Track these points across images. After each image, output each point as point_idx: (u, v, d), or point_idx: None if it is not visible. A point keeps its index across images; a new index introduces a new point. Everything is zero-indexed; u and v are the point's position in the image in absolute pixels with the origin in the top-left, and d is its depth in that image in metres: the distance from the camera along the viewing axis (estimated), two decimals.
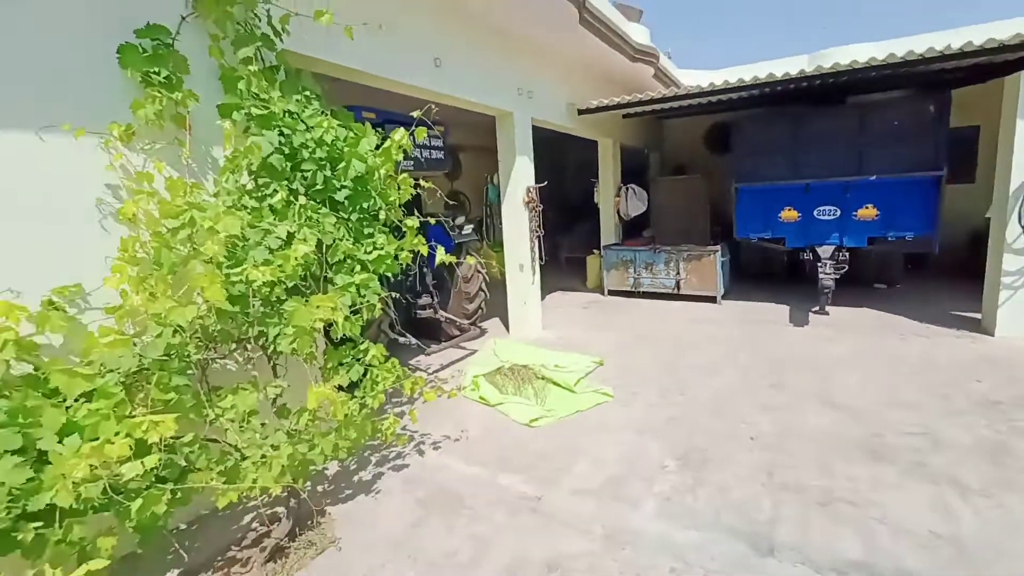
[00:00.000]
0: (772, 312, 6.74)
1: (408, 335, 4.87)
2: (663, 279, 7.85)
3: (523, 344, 5.70)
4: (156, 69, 2.46)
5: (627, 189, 8.95)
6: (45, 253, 2.20)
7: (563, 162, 15.20)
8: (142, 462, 1.73)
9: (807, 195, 6.66)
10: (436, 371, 5.07)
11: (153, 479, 1.94)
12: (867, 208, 6.32)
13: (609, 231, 9.06)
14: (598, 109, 7.09)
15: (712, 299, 7.50)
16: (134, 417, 1.80)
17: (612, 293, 8.43)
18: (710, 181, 8.18)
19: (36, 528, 1.65)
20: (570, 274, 10.55)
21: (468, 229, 5.83)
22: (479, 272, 5.86)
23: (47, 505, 1.61)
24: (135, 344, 2.07)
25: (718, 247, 7.36)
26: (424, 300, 5.39)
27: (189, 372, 2.18)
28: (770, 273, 8.65)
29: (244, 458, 2.15)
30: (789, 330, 5.87)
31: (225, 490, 2.07)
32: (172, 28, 2.55)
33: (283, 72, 2.93)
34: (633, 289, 8.16)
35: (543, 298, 8.39)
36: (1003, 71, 5.12)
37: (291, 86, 2.88)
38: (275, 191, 2.52)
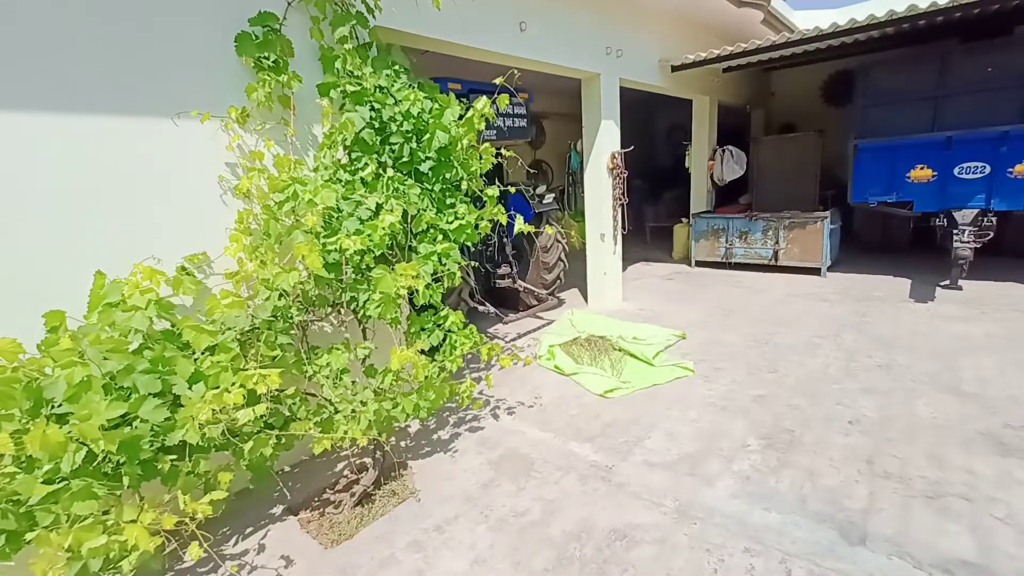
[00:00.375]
0: (889, 286, 5.99)
1: (487, 304, 5.02)
2: (759, 249, 7.26)
3: (601, 315, 5.62)
4: (266, 54, 2.68)
5: (723, 151, 8.28)
6: (180, 225, 2.55)
7: (650, 126, 14.43)
8: (253, 409, 2.00)
9: (948, 150, 5.68)
10: (513, 340, 5.19)
11: (262, 425, 2.24)
12: None
13: (701, 197, 8.49)
14: (695, 64, 6.54)
15: (816, 271, 6.82)
16: (247, 370, 2.07)
17: (700, 264, 7.97)
18: (823, 140, 7.31)
19: (172, 460, 1.99)
20: (655, 244, 10.14)
21: (549, 198, 5.79)
22: (558, 242, 5.82)
23: (180, 442, 1.93)
24: (248, 306, 2.36)
25: (827, 214, 6.62)
26: (503, 270, 5.49)
27: (292, 332, 2.45)
28: (890, 242, 7.64)
29: (337, 411, 2.39)
30: (909, 307, 5.20)
31: (321, 438, 2.33)
32: (279, 14, 2.75)
33: (375, 48, 3.05)
34: (724, 260, 7.64)
35: (624, 269, 8.18)
36: None
37: (382, 61, 2.99)
38: (366, 164, 2.68)
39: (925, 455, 2.72)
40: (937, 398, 3.31)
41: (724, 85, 8.66)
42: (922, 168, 5.86)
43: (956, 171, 5.65)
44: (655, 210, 10.83)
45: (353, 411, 2.37)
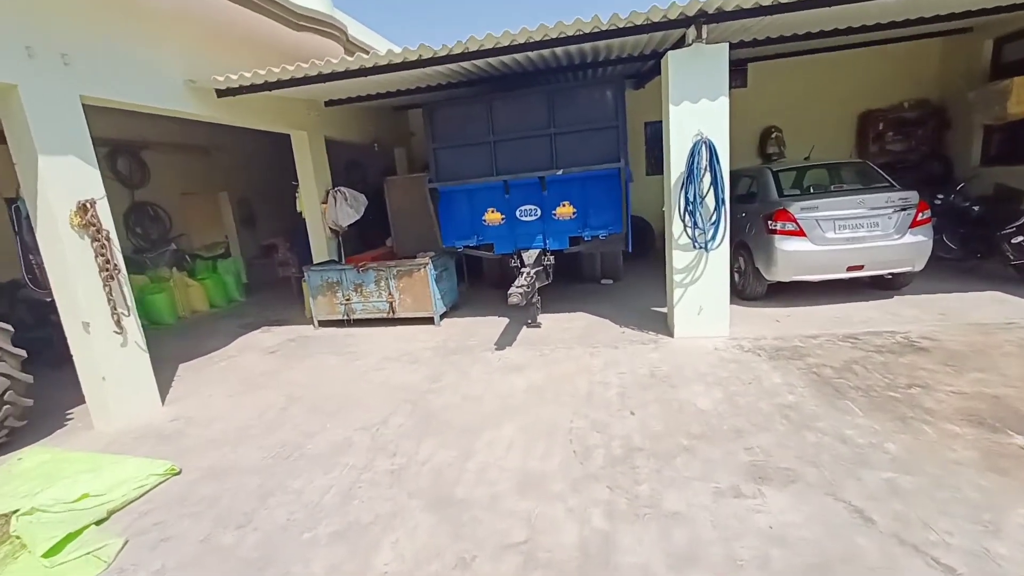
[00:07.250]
0: (487, 329, 5.79)
1: None
2: (375, 302, 6.43)
3: (83, 451, 3.66)
4: None
5: (337, 192, 7.33)
6: None
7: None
8: None
9: (508, 194, 5.81)
10: None
11: None
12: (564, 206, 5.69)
13: (321, 246, 7.36)
14: (242, 90, 5.27)
15: (430, 320, 6.33)
16: None
17: (324, 324, 6.75)
18: None
19: None
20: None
21: None
22: None
23: None
24: None
25: (427, 260, 6.19)
26: None
27: None
28: (507, 279, 7.83)
29: None
30: (486, 357, 4.88)
31: None
32: None
33: None
34: (345, 317, 6.59)
35: (236, 338, 6.40)
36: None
37: None
38: None
39: None
40: (420, 519, 2.54)
41: (336, 120, 7.80)
42: (493, 211, 5.88)
43: (518, 214, 5.80)
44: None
45: None
